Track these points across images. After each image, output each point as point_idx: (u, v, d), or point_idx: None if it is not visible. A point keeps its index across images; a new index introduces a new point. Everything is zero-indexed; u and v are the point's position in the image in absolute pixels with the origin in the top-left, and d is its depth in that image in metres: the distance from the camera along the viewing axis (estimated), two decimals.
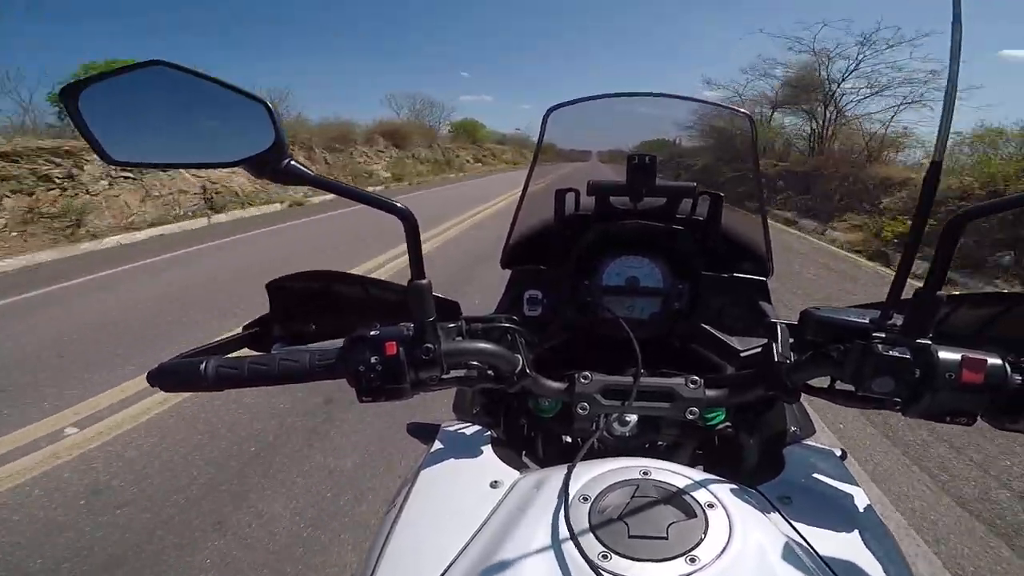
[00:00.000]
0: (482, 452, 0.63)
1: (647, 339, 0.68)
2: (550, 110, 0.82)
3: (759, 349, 0.71)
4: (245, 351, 0.65)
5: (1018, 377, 0.45)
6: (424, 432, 0.73)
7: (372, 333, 0.51)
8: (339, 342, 0.53)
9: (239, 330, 0.71)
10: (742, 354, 0.75)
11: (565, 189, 0.86)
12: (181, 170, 7.53)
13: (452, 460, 0.62)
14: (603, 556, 0.42)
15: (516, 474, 0.59)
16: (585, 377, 0.62)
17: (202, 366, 0.52)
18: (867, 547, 0.51)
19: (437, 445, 0.65)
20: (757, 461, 0.69)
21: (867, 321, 0.51)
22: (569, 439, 0.79)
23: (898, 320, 0.49)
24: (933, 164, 0.45)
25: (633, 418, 0.71)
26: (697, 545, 0.43)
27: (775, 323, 0.62)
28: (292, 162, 0.46)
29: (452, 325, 0.57)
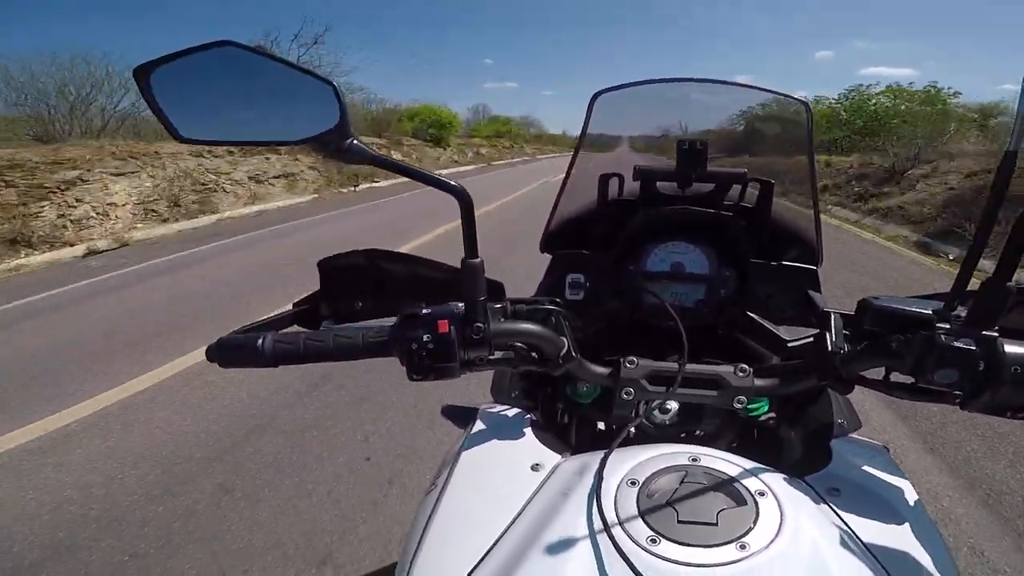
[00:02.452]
0: (522, 435, 0.64)
1: (691, 327, 0.67)
2: (597, 94, 0.81)
3: (809, 339, 0.70)
4: (295, 328, 0.67)
5: None
6: (459, 414, 0.74)
7: (425, 311, 0.52)
8: (388, 320, 0.54)
9: (289, 307, 0.73)
10: (789, 344, 0.74)
11: (609, 174, 0.85)
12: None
13: (493, 442, 0.63)
14: (652, 540, 0.42)
15: (558, 457, 0.59)
16: (631, 362, 0.62)
17: (259, 342, 0.53)
18: (915, 541, 0.50)
19: (476, 427, 0.66)
20: (802, 453, 0.68)
21: (930, 311, 0.49)
22: (603, 426, 0.79)
23: (962, 312, 0.48)
24: (1008, 154, 0.43)
25: (674, 406, 0.71)
26: (747, 532, 0.43)
27: (829, 312, 0.61)
28: (355, 141, 0.47)
29: (498, 306, 0.58)
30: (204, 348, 0.54)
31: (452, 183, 0.51)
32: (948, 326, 0.47)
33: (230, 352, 0.54)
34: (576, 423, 0.81)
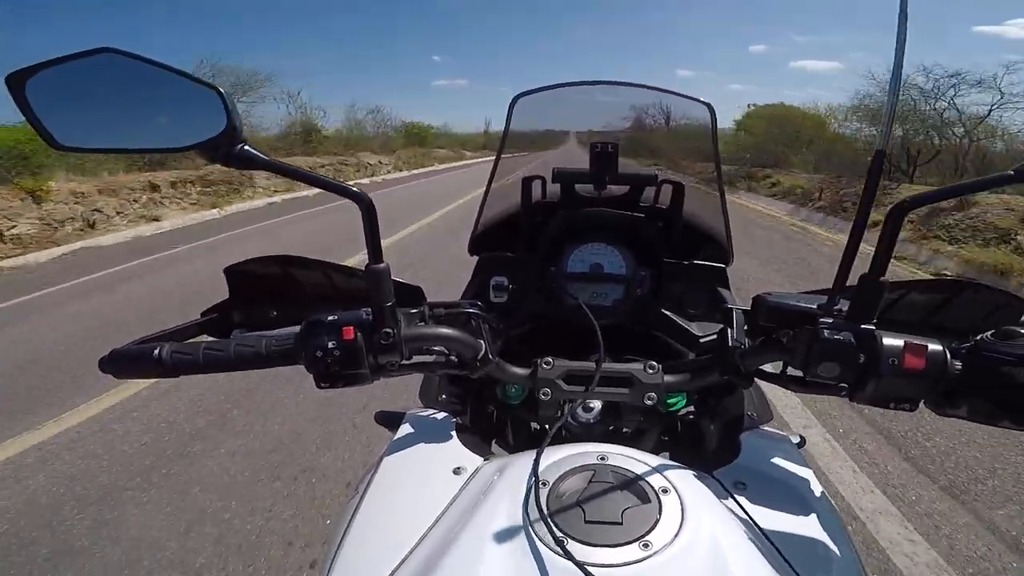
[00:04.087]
0: (447, 439, 0.64)
1: (610, 325, 0.68)
2: (516, 97, 0.83)
3: (716, 335, 0.73)
4: (203, 337, 0.65)
5: (958, 363, 0.46)
6: (391, 419, 0.73)
7: (330, 318, 0.51)
8: (295, 329, 0.53)
9: (197, 316, 0.70)
10: (701, 340, 0.77)
11: (531, 176, 0.86)
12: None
13: (416, 446, 0.63)
14: (560, 541, 0.42)
15: (480, 460, 0.59)
16: (547, 363, 0.63)
17: (156, 352, 0.51)
18: (818, 532, 0.52)
19: (402, 432, 0.65)
20: (715, 446, 0.70)
21: (815, 306, 0.51)
22: (537, 425, 0.80)
23: (844, 306, 0.49)
24: (877, 152, 0.46)
25: (597, 404, 0.72)
26: (651, 530, 0.43)
27: (731, 309, 0.63)
28: (246, 147, 0.46)
29: (414, 310, 0.57)
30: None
31: (353, 189, 0.50)
32: (831, 320, 0.49)
33: (125, 363, 0.53)
34: (511, 424, 0.81)
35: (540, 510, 0.45)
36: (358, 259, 5.22)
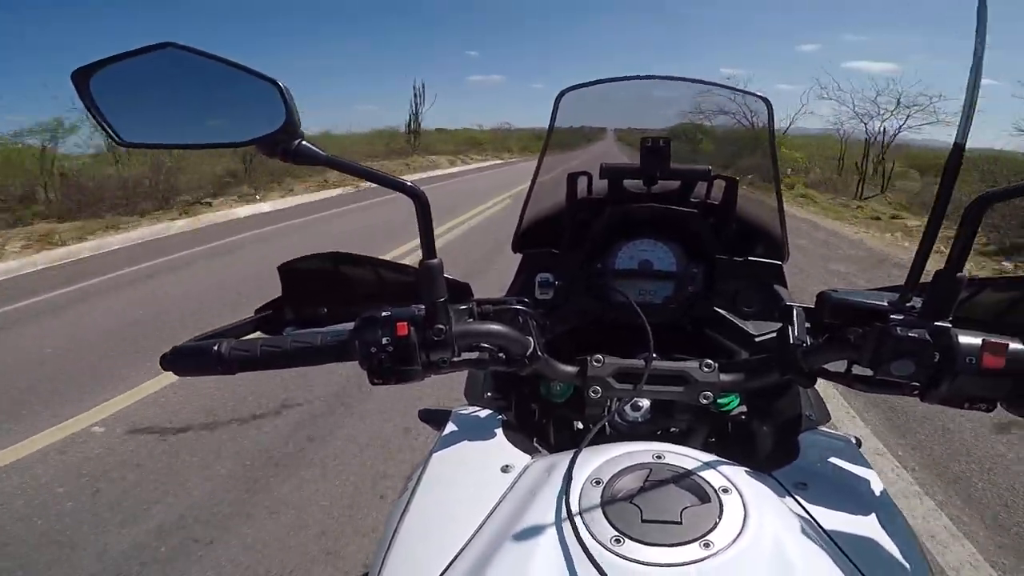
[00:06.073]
0: (493, 436, 0.63)
1: (660, 323, 0.67)
2: (562, 93, 0.81)
3: (774, 333, 0.71)
4: (258, 334, 0.65)
5: None
6: (435, 417, 0.73)
7: (384, 314, 0.51)
8: (350, 325, 0.53)
9: (252, 314, 0.71)
10: (756, 339, 0.75)
11: (578, 172, 0.85)
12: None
13: (463, 444, 0.62)
14: (615, 540, 0.41)
15: (527, 458, 0.59)
16: (597, 360, 0.62)
17: (215, 348, 0.52)
18: (882, 532, 0.50)
19: (448, 429, 0.65)
20: (772, 447, 0.68)
21: (885, 303, 0.50)
22: (580, 425, 0.79)
23: (917, 303, 0.48)
24: (955, 147, 0.44)
25: (646, 403, 0.71)
26: (711, 530, 0.42)
27: (791, 306, 0.61)
28: (304, 142, 0.46)
29: (463, 307, 0.57)
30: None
31: (408, 184, 0.50)
32: (903, 317, 0.47)
33: (186, 359, 0.53)
34: (554, 422, 0.80)
35: (594, 508, 0.44)
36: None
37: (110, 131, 0.45)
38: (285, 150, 0.46)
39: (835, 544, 0.48)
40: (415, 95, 23.70)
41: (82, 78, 0.45)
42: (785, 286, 0.81)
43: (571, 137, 0.95)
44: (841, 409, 2.51)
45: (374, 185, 0.50)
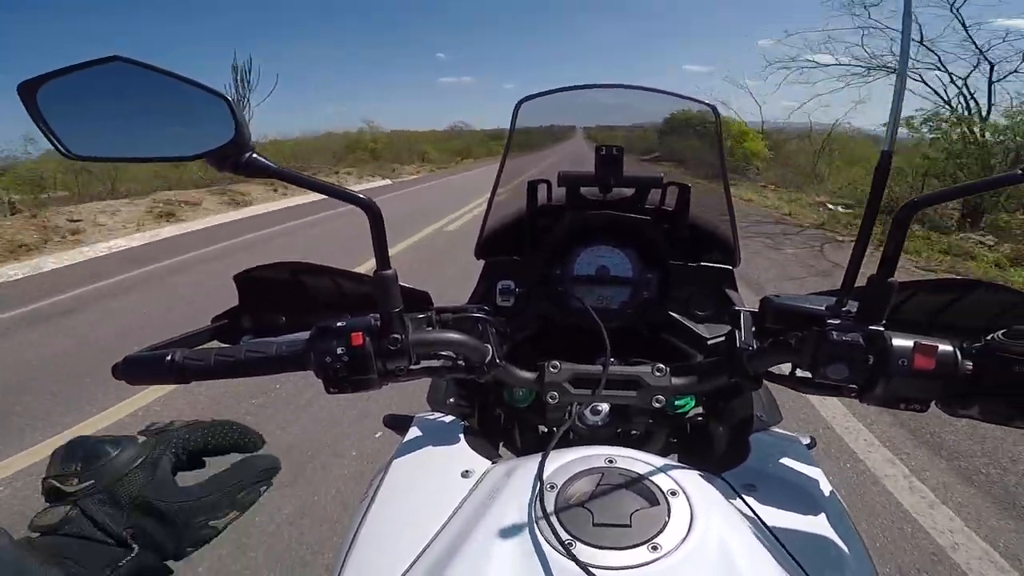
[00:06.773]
0: (455, 442, 0.64)
1: (617, 328, 0.68)
2: (520, 102, 0.83)
3: (724, 337, 0.73)
4: (214, 344, 0.65)
5: (969, 364, 0.46)
6: (399, 423, 0.74)
7: (338, 324, 0.51)
8: (307, 334, 0.53)
9: (208, 323, 0.71)
10: (708, 342, 0.76)
11: (537, 180, 0.86)
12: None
13: (424, 450, 0.63)
14: (568, 544, 0.42)
15: (487, 463, 0.60)
16: (554, 366, 0.63)
17: (168, 358, 0.52)
18: (828, 532, 0.52)
19: (410, 435, 0.66)
20: (724, 448, 0.70)
21: (822, 308, 0.51)
22: (544, 429, 0.80)
23: (853, 307, 0.49)
24: (884, 154, 0.46)
25: (605, 407, 0.72)
26: (659, 533, 0.43)
27: (739, 311, 0.63)
28: (254, 155, 0.46)
29: (421, 315, 0.58)
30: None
31: (360, 196, 0.50)
32: (839, 322, 0.49)
33: (138, 368, 0.53)
34: (519, 426, 0.81)
35: (547, 513, 0.45)
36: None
37: (58, 144, 0.45)
38: (236, 163, 0.46)
39: (781, 545, 0.49)
40: (237, 77, 14.89)
41: (28, 91, 0.44)
42: (736, 290, 0.84)
43: (532, 142, 0.97)
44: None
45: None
